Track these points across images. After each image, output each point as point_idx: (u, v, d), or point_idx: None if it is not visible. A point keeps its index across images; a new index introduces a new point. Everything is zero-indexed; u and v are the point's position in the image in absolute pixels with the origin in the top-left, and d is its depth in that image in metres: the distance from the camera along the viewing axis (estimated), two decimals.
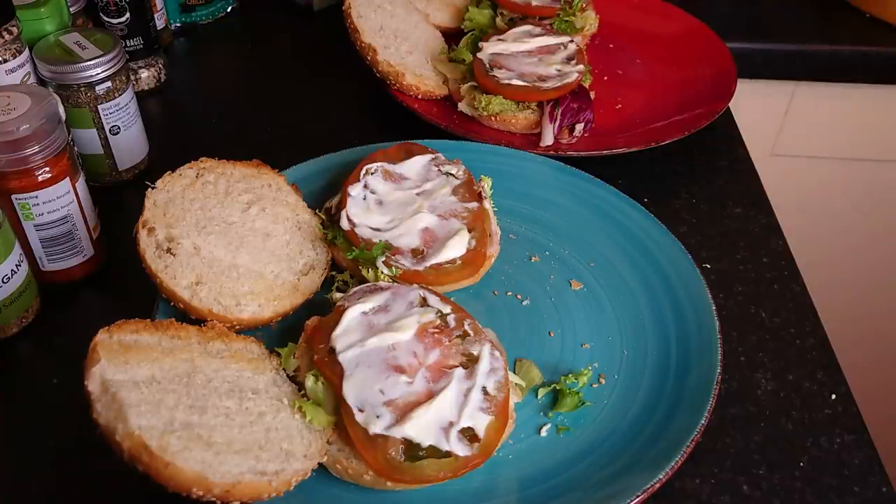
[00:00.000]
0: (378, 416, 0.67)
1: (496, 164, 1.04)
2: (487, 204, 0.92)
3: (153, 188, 0.84)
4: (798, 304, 0.93)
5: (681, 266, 0.90)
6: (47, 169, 0.84)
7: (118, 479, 0.73)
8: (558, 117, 1.11)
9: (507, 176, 1.03)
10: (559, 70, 1.14)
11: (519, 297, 0.91)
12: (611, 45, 1.39)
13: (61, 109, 0.85)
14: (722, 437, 0.78)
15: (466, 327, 0.76)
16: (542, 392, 0.80)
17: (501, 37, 1.21)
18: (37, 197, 0.84)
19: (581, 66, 1.15)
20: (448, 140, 1.08)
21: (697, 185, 1.12)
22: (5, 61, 0.94)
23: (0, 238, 0.80)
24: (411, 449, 0.67)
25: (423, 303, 0.78)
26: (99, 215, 0.94)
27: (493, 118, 1.13)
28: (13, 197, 0.84)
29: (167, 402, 0.64)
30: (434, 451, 0.67)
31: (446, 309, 0.77)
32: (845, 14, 1.59)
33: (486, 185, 0.94)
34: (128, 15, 1.21)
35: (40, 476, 0.75)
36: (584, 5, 1.31)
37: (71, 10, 1.08)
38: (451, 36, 1.32)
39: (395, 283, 0.81)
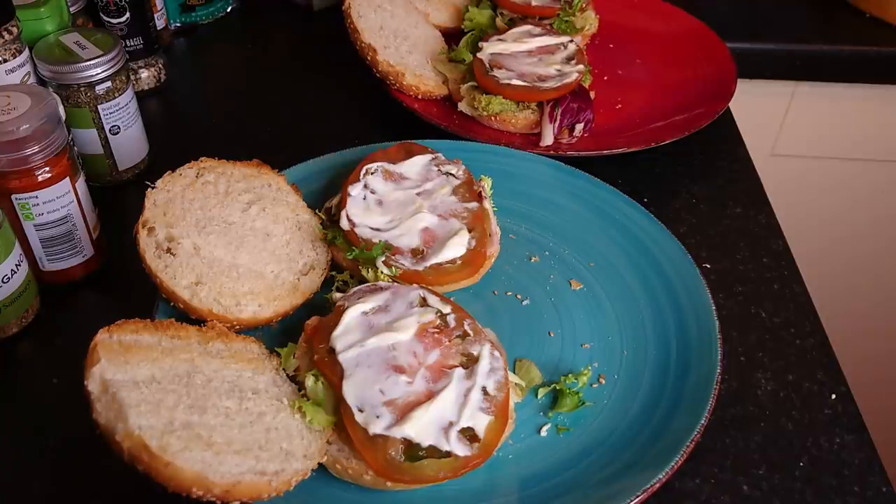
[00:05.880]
0: (378, 416, 0.67)
1: (496, 164, 1.04)
2: (487, 204, 0.92)
3: (153, 188, 0.84)
4: (798, 304, 0.93)
5: (681, 266, 0.90)
6: (47, 169, 0.84)
7: (118, 479, 0.73)
8: (558, 117, 1.11)
9: (507, 176, 1.03)
10: (559, 70, 1.14)
11: (519, 297, 0.91)
12: (611, 45, 1.39)
13: (61, 109, 0.85)
14: (722, 437, 0.78)
15: (466, 327, 0.76)
16: (542, 392, 0.80)
17: (501, 37, 1.21)
18: (37, 197, 0.84)
19: (581, 66, 1.15)
20: (448, 140, 1.08)
21: (697, 185, 1.12)
22: (5, 61, 0.94)
23: (0, 238, 0.80)
24: (411, 449, 0.67)
25: (423, 303, 0.78)
26: (99, 215, 0.94)
27: (493, 118, 1.13)
28: (13, 197, 0.84)
29: (167, 402, 0.64)
30: (434, 451, 0.67)
31: (446, 309, 0.77)
32: (845, 14, 1.59)
33: (486, 185, 0.94)
34: (128, 15, 1.21)
35: (40, 476, 0.75)
36: (584, 5, 1.31)
37: (71, 10, 1.08)
38: (451, 36, 1.32)
39: (395, 283, 0.81)
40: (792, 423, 0.80)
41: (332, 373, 0.71)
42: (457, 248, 0.86)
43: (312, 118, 1.25)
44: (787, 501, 0.73)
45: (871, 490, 0.74)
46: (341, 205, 0.90)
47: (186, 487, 0.59)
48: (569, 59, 1.17)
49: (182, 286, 0.79)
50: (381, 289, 0.79)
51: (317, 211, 0.94)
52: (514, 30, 1.23)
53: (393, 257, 0.84)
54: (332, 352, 0.72)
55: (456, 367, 0.72)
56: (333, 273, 0.89)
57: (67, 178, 0.86)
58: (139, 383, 0.64)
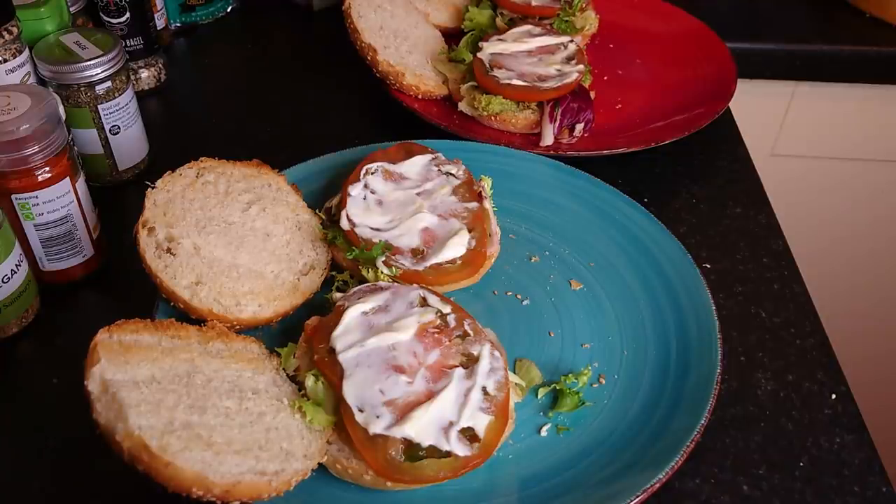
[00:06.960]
0: (378, 416, 0.67)
1: (496, 164, 1.04)
2: (487, 204, 0.92)
3: (153, 188, 0.84)
4: (798, 304, 0.93)
5: (681, 266, 0.90)
6: (47, 169, 0.84)
7: (118, 479, 0.73)
8: (558, 117, 1.11)
9: (507, 176, 1.03)
10: (559, 70, 1.14)
11: (519, 297, 0.91)
12: (611, 45, 1.39)
13: (61, 109, 0.85)
14: (722, 437, 0.78)
15: (466, 327, 0.76)
16: (542, 392, 0.80)
17: (501, 37, 1.21)
18: (37, 197, 0.84)
19: (581, 66, 1.15)
20: (448, 140, 1.08)
21: (697, 185, 1.12)
22: (5, 61, 0.94)
23: (0, 238, 0.80)
24: (411, 449, 0.67)
25: (423, 303, 0.78)
26: (99, 215, 0.94)
27: (493, 118, 1.13)
28: (13, 197, 0.84)
29: (167, 402, 0.64)
30: (434, 451, 0.67)
31: (446, 309, 0.77)
32: (845, 14, 1.59)
33: (486, 185, 0.94)
34: (128, 15, 1.21)
35: (40, 476, 0.75)
36: (584, 5, 1.31)
37: (71, 10, 1.08)
38: (451, 36, 1.32)
39: (395, 283, 0.81)
40: (792, 423, 0.80)
41: (332, 373, 0.71)
42: (457, 248, 0.86)
43: (312, 118, 1.25)
44: (787, 501, 0.73)
45: (871, 490, 0.74)
46: (341, 205, 0.90)
47: (186, 487, 0.59)
48: (569, 59, 1.17)
49: (182, 286, 0.79)
50: (381, 289, 0.79)
51: (317, 211, 0.94)
52: (514, 30, 1.23)
53: (393, 257, 0.84)
54: (332, 352, 0.72)
55: (456, 367, 0.72)
56: (333, 273, 0.89)
57: (67, 178, 0.86)
58: (139, 383, 0.64)
